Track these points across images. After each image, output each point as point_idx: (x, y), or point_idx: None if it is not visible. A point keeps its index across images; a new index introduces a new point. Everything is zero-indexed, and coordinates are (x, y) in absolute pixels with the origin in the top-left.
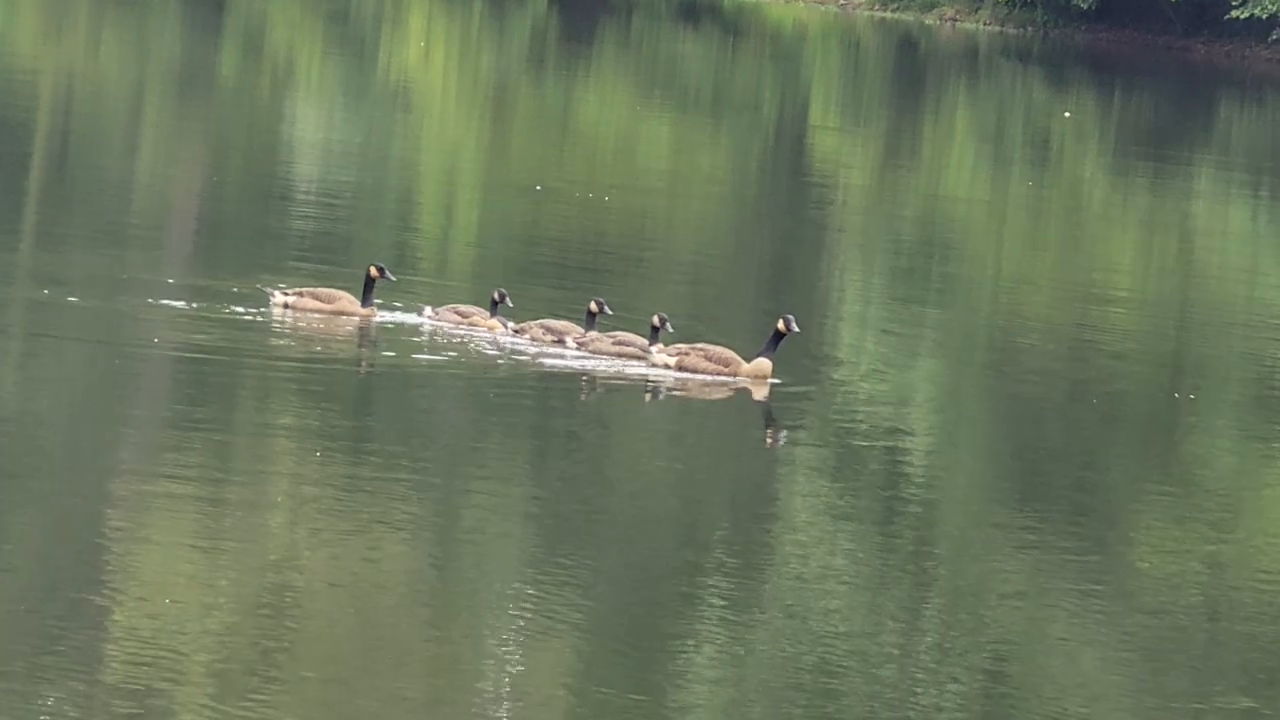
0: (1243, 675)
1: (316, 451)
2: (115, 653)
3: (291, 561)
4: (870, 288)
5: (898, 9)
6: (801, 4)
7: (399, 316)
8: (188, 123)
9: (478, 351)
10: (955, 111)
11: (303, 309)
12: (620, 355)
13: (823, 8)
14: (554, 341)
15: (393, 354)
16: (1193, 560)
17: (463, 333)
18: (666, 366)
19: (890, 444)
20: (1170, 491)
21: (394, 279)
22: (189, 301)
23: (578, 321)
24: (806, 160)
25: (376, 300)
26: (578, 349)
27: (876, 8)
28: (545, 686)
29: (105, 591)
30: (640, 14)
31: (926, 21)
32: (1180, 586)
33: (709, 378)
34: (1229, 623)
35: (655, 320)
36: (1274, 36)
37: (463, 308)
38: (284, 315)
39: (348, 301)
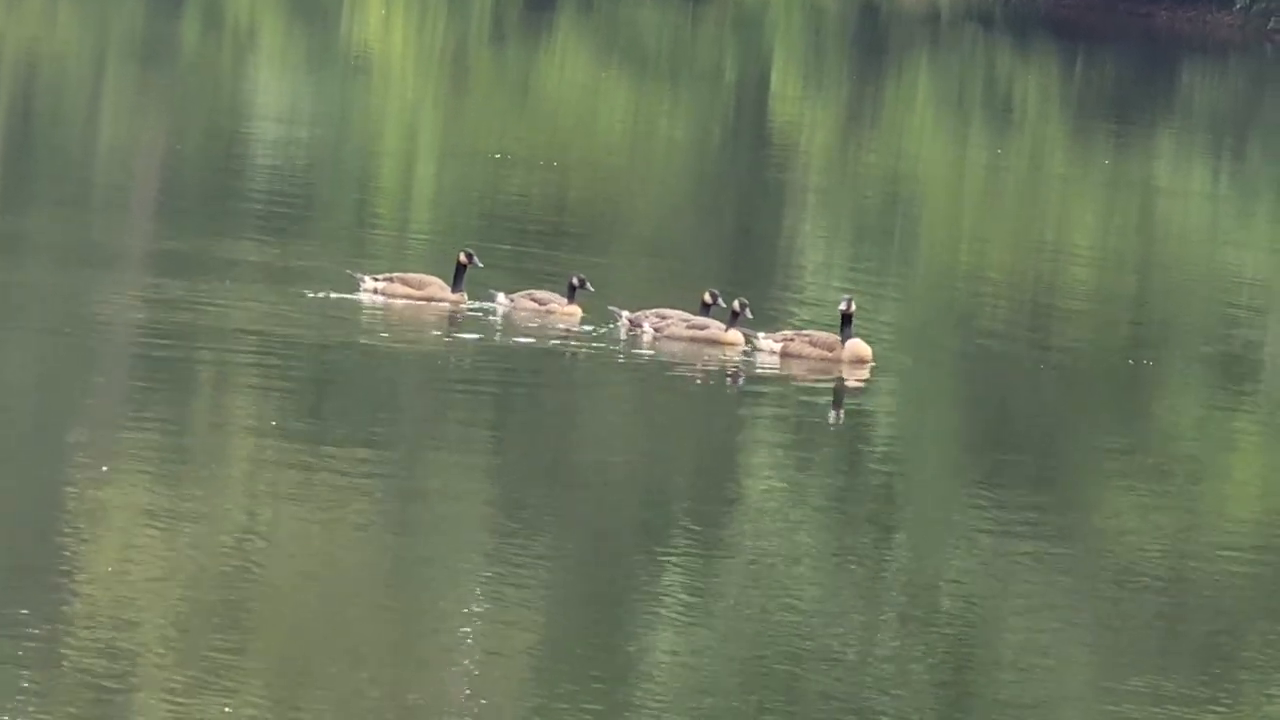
0: (1203, 647)
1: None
2: (74, 640)
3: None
4: (832, 252)
5: None
6: None
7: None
8: (149, 92)
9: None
10: (917, 77)
11: (392, 294)
12: (694, 340)
13: None
14: (632, 328)
15: (474, 337)
16: (1154, 529)
17: (537, 321)
18: (772, 352)
19: (852, 410)
20: (1131, 458)
21: (481, 265)
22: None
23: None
24: (768, 126)
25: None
26: (655, 335)
27: None
28: (507, 668)
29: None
30: None
31: None
32: (1141, 556)
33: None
34: (1190, 594)
35: (735, 305)
36: (1238, 5)
37: (539, 294)
38: (374, 300)
39: (438, 287)
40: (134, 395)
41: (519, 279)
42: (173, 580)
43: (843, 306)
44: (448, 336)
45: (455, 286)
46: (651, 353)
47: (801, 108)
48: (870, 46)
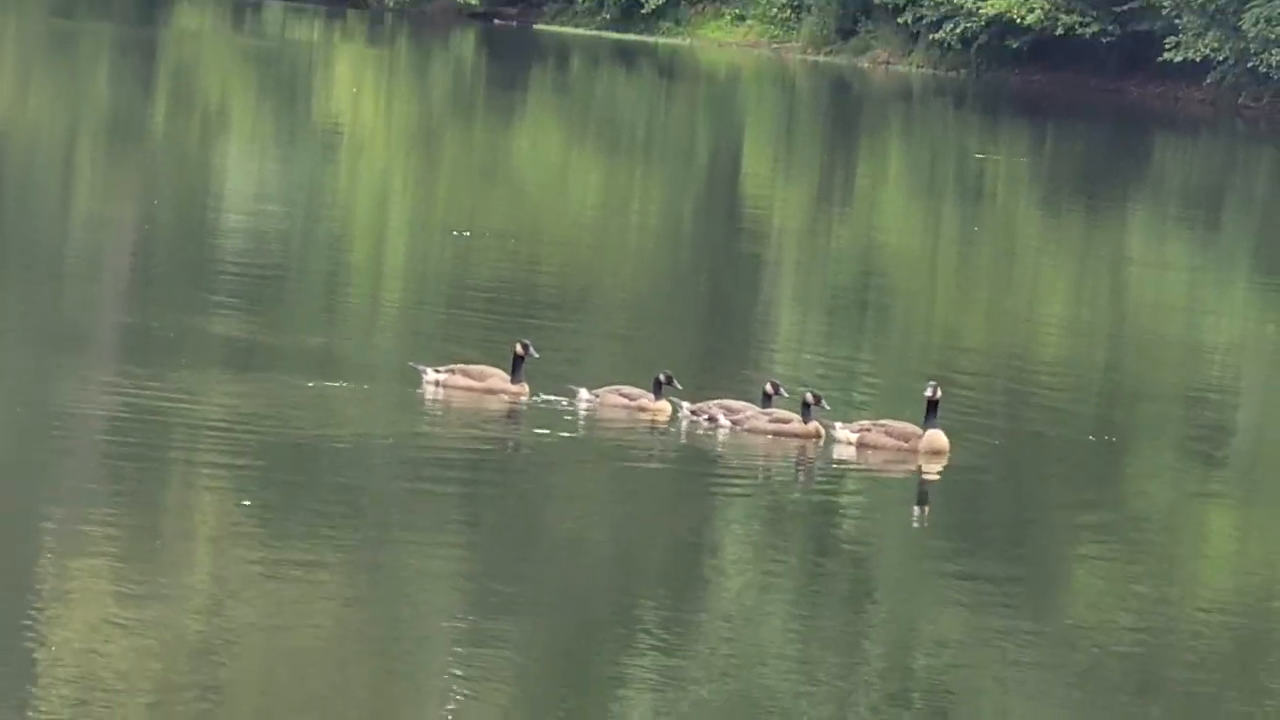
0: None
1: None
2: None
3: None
4: (805, 327)
5: (831, 52)
6: (735, 47)
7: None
8: (120, 168)
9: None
10: (888, 153)
11: (453, 387)
12: (777, 434)
13: (756, 51)
14: (708, 420)
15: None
16: (1126, 601)
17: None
18: (848, 443)
19: (825, 483)
20: (1104, 530)
21: (537, 355)
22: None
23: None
24: (741, 202)
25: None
26: (733, 428)
27: (810, 51)
28: None
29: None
30: (573, 56)
31: (860, 64)
32: (1114, 629)
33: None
34: (1162, 667)
35: (809, 397)
36: (1209, 80)
37: (627, 389)
38: (435, 393)
39: (499, 379)
40: (108, 475)
41: (494, 356)
42: (142, 660)
43: (928, 393)
44: (510, 431)
45: (514, 378)
46: (728, 447)
47: (773, 184)
48: (842, 123)
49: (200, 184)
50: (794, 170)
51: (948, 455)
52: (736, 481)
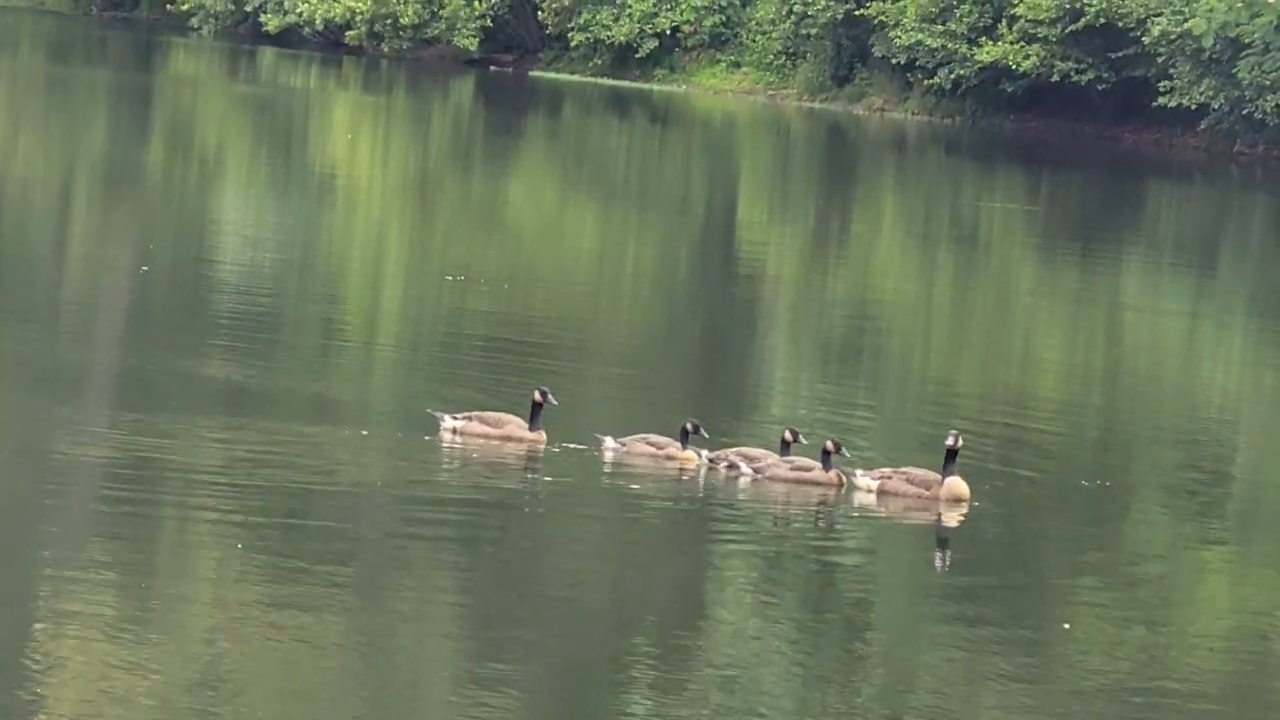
0: None
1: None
2: None
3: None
4: (801, 373)
5: (826, 99)
6: (730, 94)
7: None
8: (116, 214)
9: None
10: (884, 200)
11: (471, 434)
12: (799, 482)
13: (751, 98)
14: (729, 468)
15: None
16: (1122, 646)
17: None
18: (869, 490)
19: (823, 533)
20: (1101, 577)
21: (555, 402)
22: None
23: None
24: (736, 249)
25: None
26: (755, 476)
27: (805, 98)
28: None
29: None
30: (569, 103)
31: (855, 112)
32: (1110, 672)
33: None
34: (1158, 713)
35: (829, 445)
36: (1203, 125)
37: (655, 438)
38: (453, 440)
39: (516, 426)
40: (105, 520)
41: (495, 401)
42: (137, 705)
43: (949, 441)
44: (527, 476)
45: (533, 425)
46: (748, 496)
47: (769, 231)
48: (838, 169)
49: (196, 229)
50: (789, 217)
51: (968, 503)
52: (754, 529)
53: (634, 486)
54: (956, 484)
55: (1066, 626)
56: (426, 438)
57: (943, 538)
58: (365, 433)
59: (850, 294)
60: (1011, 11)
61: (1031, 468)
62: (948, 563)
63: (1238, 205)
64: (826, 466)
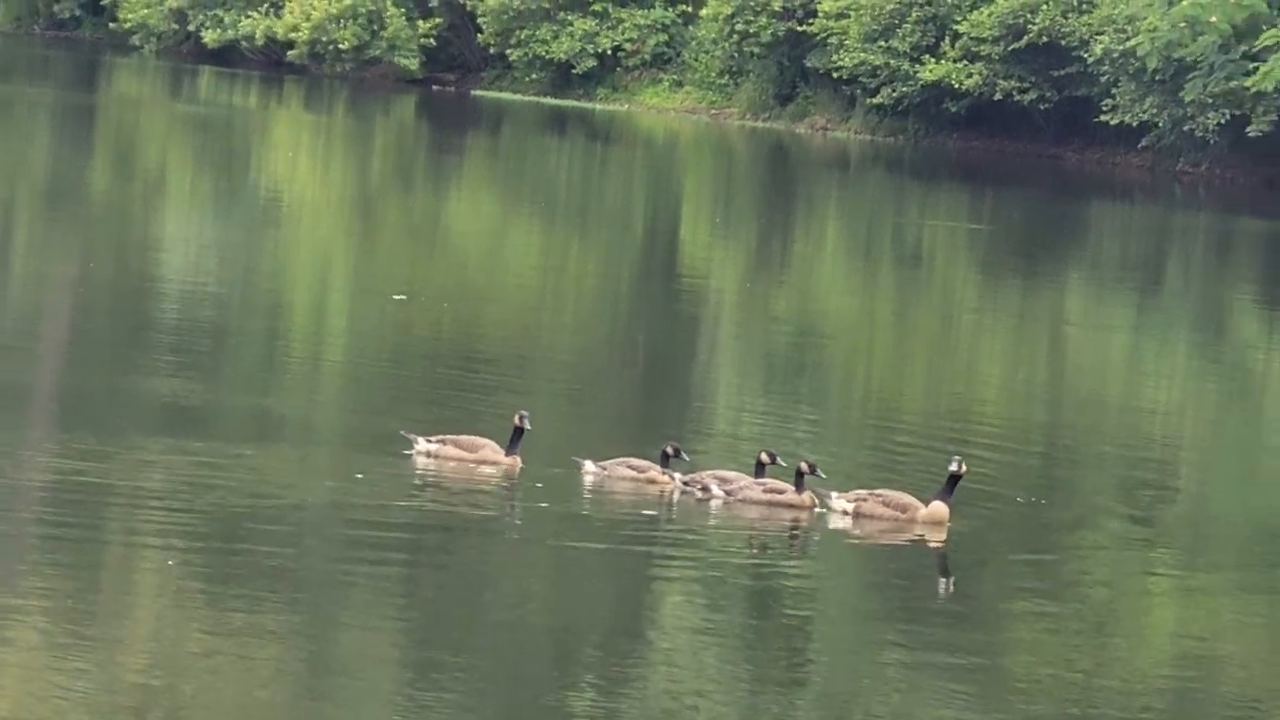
0: None
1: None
2: None
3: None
4: (743, 391)
5: (768, 118)
6: (673, 113)
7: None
8: (57, 232)
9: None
10: (826, 219)
11: (445, 457)
12: (772, 504)
13: (694, 117)
14: (701, 490)
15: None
16: (1063, 672)
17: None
18: (844, 513)
19: (762, 555)
20: (1042, 598)
21: (529, 427)
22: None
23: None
24: (678, 267)
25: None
26: (727, 499)
27: (748, 117)
28: None
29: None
30: (511, 122)
31: (798, 130)
32: (1051, 696)
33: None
34: None
35: (803, 466)
36: (1142, 144)
37: (635, 461)
38: (427, 463)
39: (491, 450)
40: (43, 543)
41: (442, 424)
42: None
43: (953, 467)
44: (506, 503)
45: (511, 449)
46: (721, 518)
47: (711, 250)
48: (780, 188)
49: (137, 248)
50: (732, 236)
51: (948, 525)
52: (715, 553)
53: (607, 511)
54: (939, 507)
55: (1008, 645)
56: (389, 458)
57: (880, 553)
58: (305, 451)
59: (793, 313)
60: (955, 29)
61: (975, 484)
62: (886, 579)
63: (1180, 224)
64: (799, 488)
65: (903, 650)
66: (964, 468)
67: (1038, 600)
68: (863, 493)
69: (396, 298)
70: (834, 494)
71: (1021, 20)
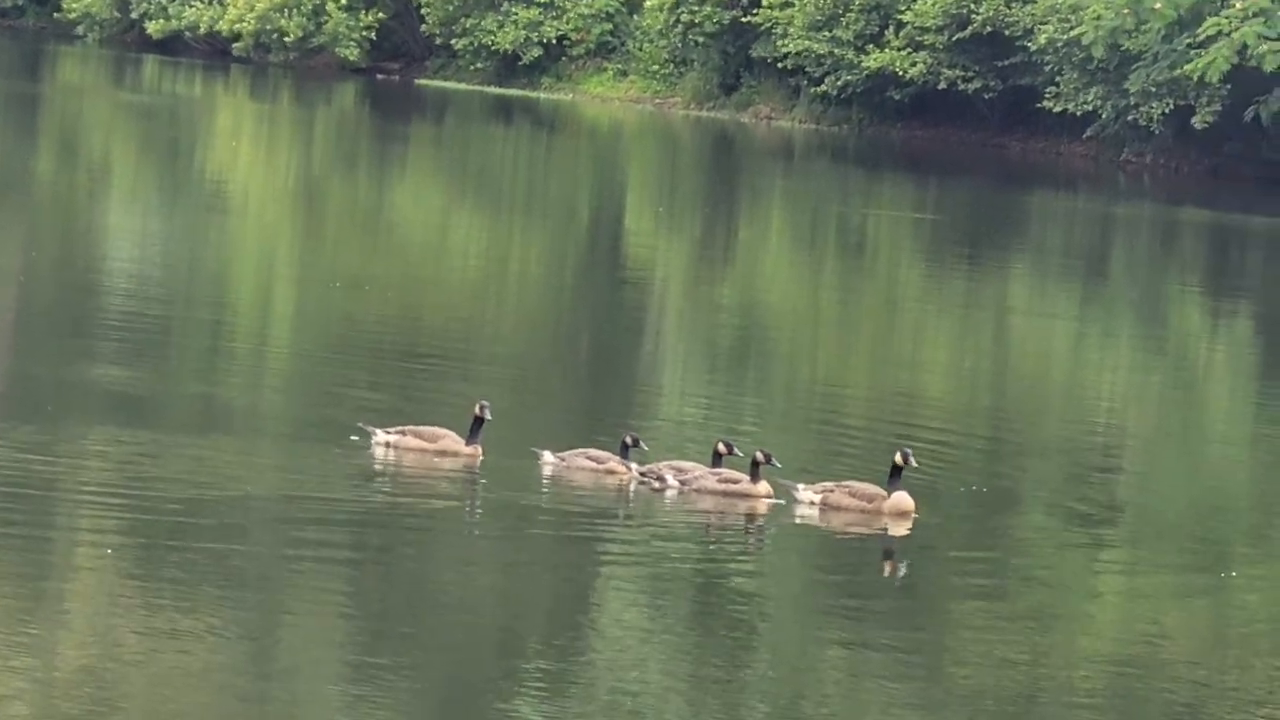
0: None
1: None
2: None
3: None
4: (688, 380)
5: (713, 108)
6: (618, 102)
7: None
8: (0, 223)
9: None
10: (771, 208)
11: (405, 448)
12: (726, 494)
13: (639, 107)
14: (657, 481)
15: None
16: (1007, 662)
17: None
18: (811, 504)
19: (708, 546)
20: (985, 588)
21: (490, 418)
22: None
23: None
24: (623, 256)
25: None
26: (681, 489)
27: (693, 106)
28: None
29: None
30: (456, 111)
31: (742, 120)
32: (994, 691)
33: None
34: None
35: (759, 456)
36: (1087, 134)
37: (594, 453)
38: (386, 454)
39: (451, 440)
40: None
41: (393, 415)
42: None
43: (898, 458)
44: (469, 494)
45: (471, 439)
46: (676, 509)
47: (656, 239)
48: (725, 178)
49: (81, 237)
50: (676, 225)
51: (913, 515)
52: (675, 543)
53: (564, 502)
54: (903, 498)
55: (951, 638)
56: (338, 450)
57: (822, 544)
58: (252, 442)
59: (738, 301)
60: (899, 18)
61: (920, 473)
62: (830, 568)
63: (1124, 213)
64: (755, 478)
65: (844, 648)
66: (913, 461)
67: (982, 591)
68: (830, 484)
69: (337, 286)
70: (800, 486)
71: (965, 9)
